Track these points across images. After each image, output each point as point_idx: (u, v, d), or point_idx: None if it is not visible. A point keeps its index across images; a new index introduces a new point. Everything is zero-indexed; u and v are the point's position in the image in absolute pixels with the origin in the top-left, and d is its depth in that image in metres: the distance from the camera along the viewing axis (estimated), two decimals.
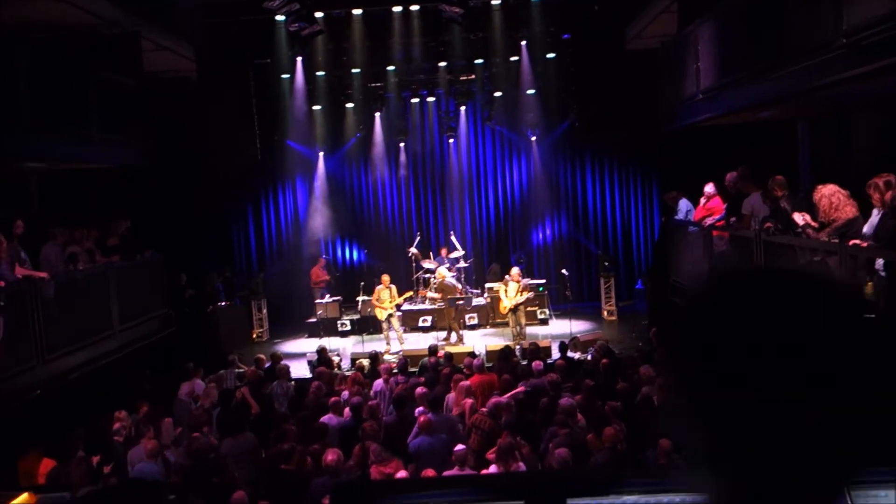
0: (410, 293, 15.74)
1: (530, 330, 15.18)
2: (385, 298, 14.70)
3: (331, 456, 7.03)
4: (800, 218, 8.04)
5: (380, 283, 14.96)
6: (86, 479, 7.07)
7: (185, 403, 10.35)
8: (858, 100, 9.24)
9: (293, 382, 11.41)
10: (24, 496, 7.22)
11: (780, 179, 8.65)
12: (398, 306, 15.02)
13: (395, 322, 14.81)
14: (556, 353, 12.29)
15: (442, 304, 15.15)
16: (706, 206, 11.42)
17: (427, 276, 16.38)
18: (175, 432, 9.31)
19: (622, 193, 18.27)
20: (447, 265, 16.28)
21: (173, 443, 9.08)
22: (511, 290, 14.51)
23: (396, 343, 14.58)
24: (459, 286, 15.94)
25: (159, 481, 7.27)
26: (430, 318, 15.89)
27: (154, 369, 11.61)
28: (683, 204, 12.51)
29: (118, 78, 12.39)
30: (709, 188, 11.37)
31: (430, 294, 15.49)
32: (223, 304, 15.83)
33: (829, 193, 7.59)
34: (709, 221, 11.19)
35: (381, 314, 14.73)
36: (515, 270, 14.86)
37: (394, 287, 14.87)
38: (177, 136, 14.29)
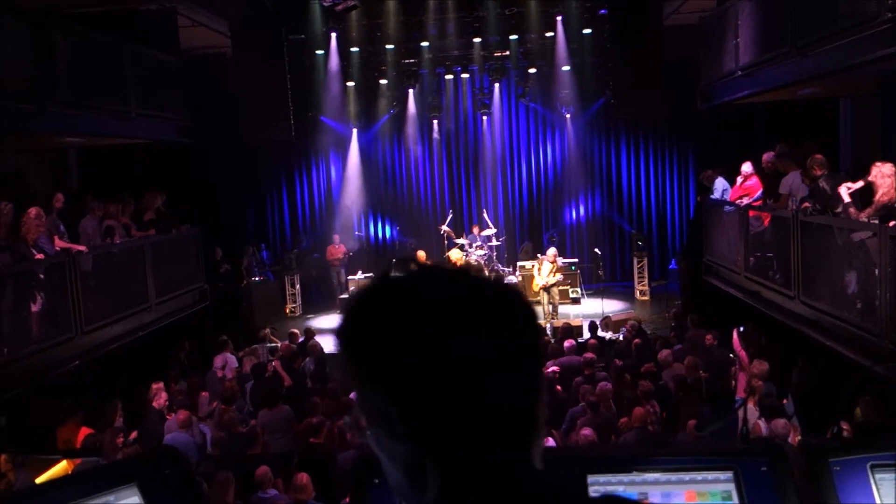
0: None
1: (562, 309, 15.14)
2: None
3: None
4: (845, 190, 7.80)
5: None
6: (117, 447, 7.25)
7: (219, 376, 10.53)
8: None
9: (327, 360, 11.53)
10: (63, 464, 7.43)
11: (819, 158, 8.46)
12: None
13: None
14: (587, 333, 12.25)
15: None
16: (743, 185, 11.23)
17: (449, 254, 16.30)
18: (211, 406, 9.48)
19: (657, 172, 18.05)
20: (479, 243, 16.27)
21: (208, 416, 9.25)
22: (545, 270, 14.47)
23: None
24: (481, 263, 15.78)
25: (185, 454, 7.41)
26: None
27: (190, 342, 11.82)
28: (720, 183, 12.31)
29: (155, 54, 12.50)
30: (746, 167, 11.17)
31: None
32: (257, 278, 16.02)
33: (884, 173, 7.29)
34: (745, 201, 11.01)
35: None
36: (552, 251, 14.80)
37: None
38: (213, 112, 14.41)
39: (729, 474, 1.46)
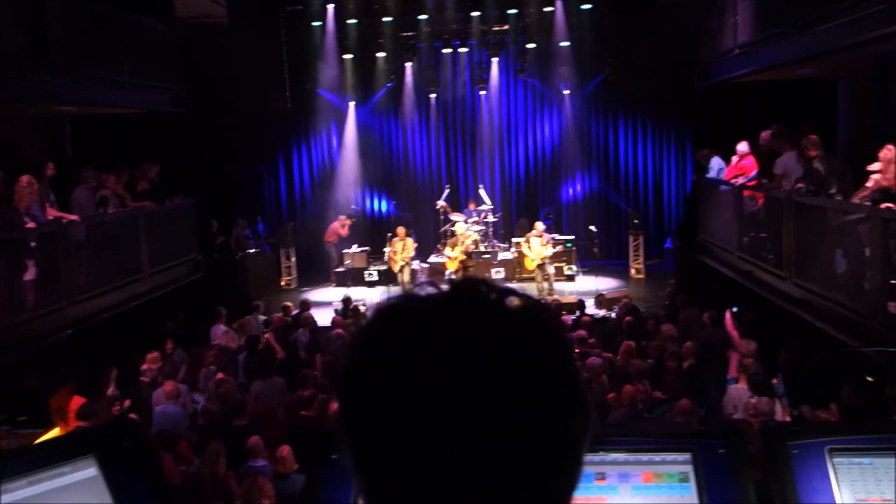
0: (416, 244, 15.64)
1: (557, 286, 15.13)
2: (399, 250, 14.85)
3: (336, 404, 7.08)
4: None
5: (395, 236, 15.07)
6: (112, 416, 7.27)
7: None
8: None
9: (320, 332, 11.56)
10: (56, 430, 7.46)
11: (813, 139, 8.42)
12: (413, 258, 15.19)
13: (407, 274, 14.90)
14: (588, 310, 12.35)
15: (464, 258, 15.11)
16: (738, 164, 11.21)
17: (453, 229, 16.28)
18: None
19: (654, 150, 17.97)
20: (475, 219, 16.24)
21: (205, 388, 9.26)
22: (535, 245, 14.45)
23: None
24: (478, 238, 15.78)
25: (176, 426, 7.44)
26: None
27: (184, 313, 11.84)
28: (716, 162, 12.29)
29: (151, 23, 12.38)
30: (742, 147, 11.14)
31: (448, 252, 15.34)
32: (253, 251, 16.01)
33: (889, 158, 7.13)
34: (741, 181, 10.99)
35: (396, 266, 14.89)
36: (540, 225, 14.79)
37: (409, 239, 15.00)
38: (208, 83, 14.30)
39: (687, 456, 1.46)
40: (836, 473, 1.46)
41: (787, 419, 7.19)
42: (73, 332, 9.08)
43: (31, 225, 8.63)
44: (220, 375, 8.96)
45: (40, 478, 1.37)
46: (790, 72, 10.16)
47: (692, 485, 1.45)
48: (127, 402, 8.32)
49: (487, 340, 0.77)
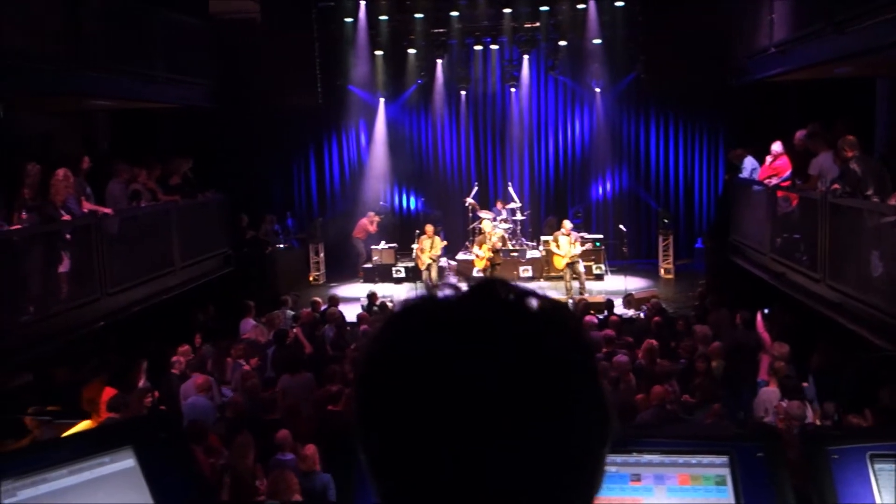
0: (445, 242, 15.63)
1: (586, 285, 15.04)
2: (426, 248, 14.87)
3: None
4: None
5: (423, 233, 15.08)
6: (145, 407, 7.37)
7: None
8: None
9: (347, 328, 11.62)
10: (87, 422, 7.58)
11: (850, 139, 8.27)
12: (440, 256, 15.20)
13: (434, 272, 14.92)
14: (616, 310, 12.28)
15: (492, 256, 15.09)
16: (772, 165, 11.06)
17: (481, 226, 16.23)
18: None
19: (686, 149, 17.77)
20: (503, 216, 16.20)
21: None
22: (563, 243, 14.35)
23: None
24: (505, 235, 15.76)
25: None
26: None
27: (214, 306, 11.95)
28: (749, 162, 12.14)
29: (184, 18, 12.52)
30: (776, 147, 10.99)
31: (475, 251, 15.29)
32: (282, 246, 16.13)
33: None
34: (774, 181, 10.84)
35: (422, 263, 14.93)
36: (568, 224, 14.69)
37: (437, 238, 15.01)
38: (241, 78, 14.43)
39: (724, 459, 1.44)
40: (877, 479, 1.43)
41: (818, 423, 7.09)
42: (105, 324, 9.20)
43: (66, 218, 8.76)
44: (246, 367, 9.06)
45: (81, 467, 1.39)
46: (828, 71, 9.98)
47: (729, 488, 1.43)
48: (156, 394, 8.43)
49: (505, 342, 0.76)
